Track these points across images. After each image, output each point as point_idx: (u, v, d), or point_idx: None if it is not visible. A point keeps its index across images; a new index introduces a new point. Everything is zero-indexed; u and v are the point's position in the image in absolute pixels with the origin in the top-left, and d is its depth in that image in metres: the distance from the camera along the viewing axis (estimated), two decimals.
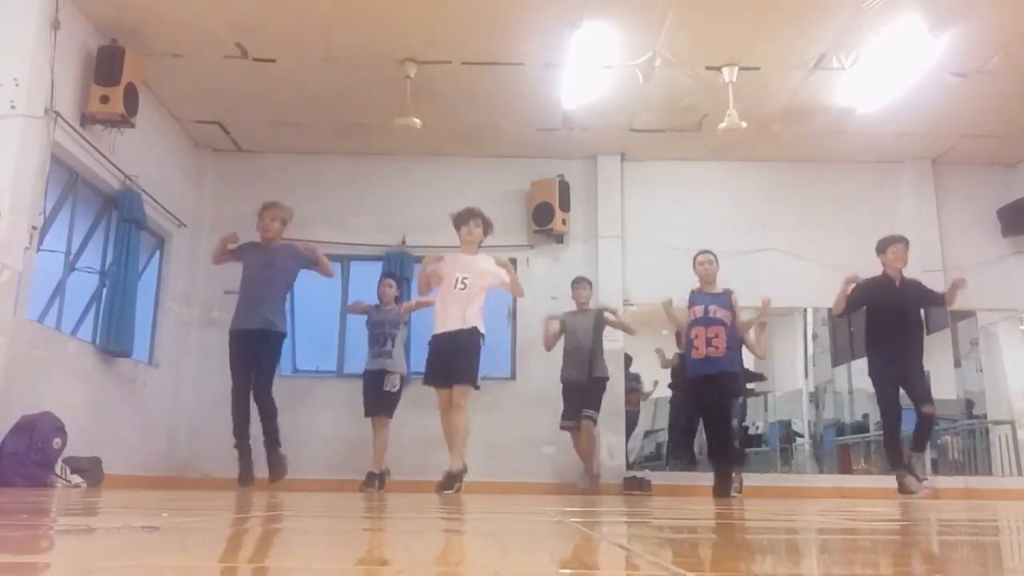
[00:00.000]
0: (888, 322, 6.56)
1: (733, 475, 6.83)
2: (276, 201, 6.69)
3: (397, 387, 7.27)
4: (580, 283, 7.90)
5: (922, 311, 6.87)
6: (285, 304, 6.68)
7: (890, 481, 6.79)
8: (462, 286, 5.89)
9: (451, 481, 5.71)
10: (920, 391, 6.50)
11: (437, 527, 2.22)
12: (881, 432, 6.80)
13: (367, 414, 7.38)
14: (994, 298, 9.00)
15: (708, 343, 6.41)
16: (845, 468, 9.57)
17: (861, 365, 10.12)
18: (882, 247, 6.74)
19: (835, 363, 10.13)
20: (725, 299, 6.59)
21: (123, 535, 1.74)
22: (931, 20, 6.55)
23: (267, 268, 6.48)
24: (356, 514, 2.85)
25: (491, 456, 8.13)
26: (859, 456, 9.93)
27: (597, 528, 2.25)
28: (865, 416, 10.08)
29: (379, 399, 7.33)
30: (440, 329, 5.95)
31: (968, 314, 9.21)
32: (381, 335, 7.44)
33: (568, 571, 1.23)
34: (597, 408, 7.58)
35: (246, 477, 6.34)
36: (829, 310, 9.58)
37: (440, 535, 1.93)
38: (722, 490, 6.45)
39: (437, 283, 6.06)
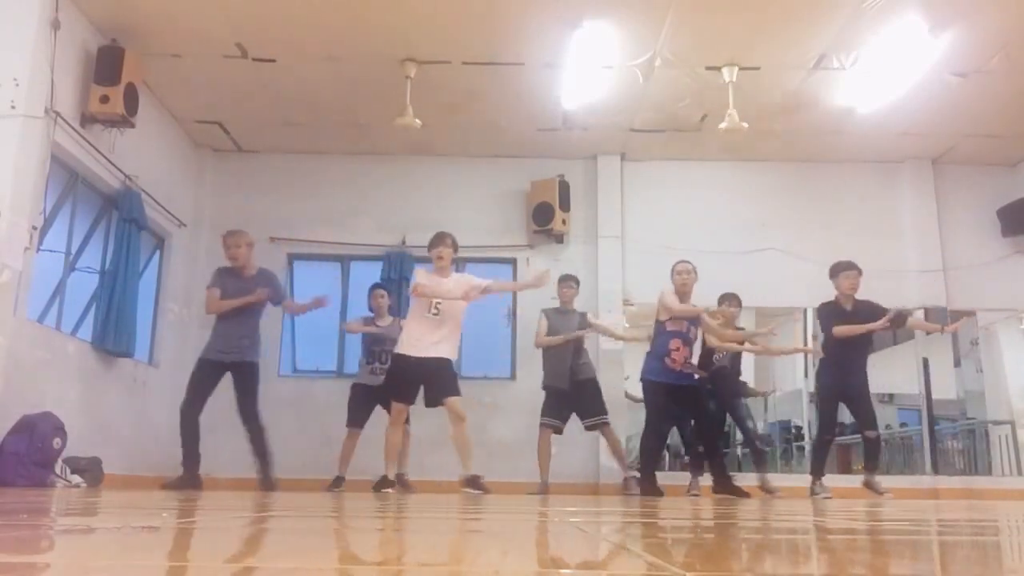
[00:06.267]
0: (838, 347, 6.66)
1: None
2: (235, 229, 6.67)
3: None
4: (566, 281, 7.49)
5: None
6: (258, 331, 6.56)
7: (890, 481, 6.81)
8: (435, 311, 6.08)
9: (475, 484, 6.05)
10: (866, 416, 6.70)
11: (437, 527, 2.22)
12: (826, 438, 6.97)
13: (350, 424, 7.22)
14: (994, 298, 9.01)
15: (685, 361, 6.59)
16: (845, 468, 9.56)
17: None
18: (834, 272, 6.82)
19: None
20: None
21: (123, 535, 1.74)
22: (931, 20, 6.55)
23: (252, 313, 6.44)
24: (359, 515, 2.84)
25: (491, 456, 8.12)
26: (859, 456, 9.92)
27: (597, 528, 2.25)
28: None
29: (369, 412, 7.20)
30: (409, 351, 6.06)
31: (968, 314, 9.20)
32: (383, 352, 7.22)
33: (568, 571, 1.23)
34: (602, 410, 7.24)
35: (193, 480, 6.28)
36: None
37: (440, 535, 1.93)
38: (722, 487, 6.66)
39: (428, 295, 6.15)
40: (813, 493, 6.76)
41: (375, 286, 7.68)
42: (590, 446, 8.12)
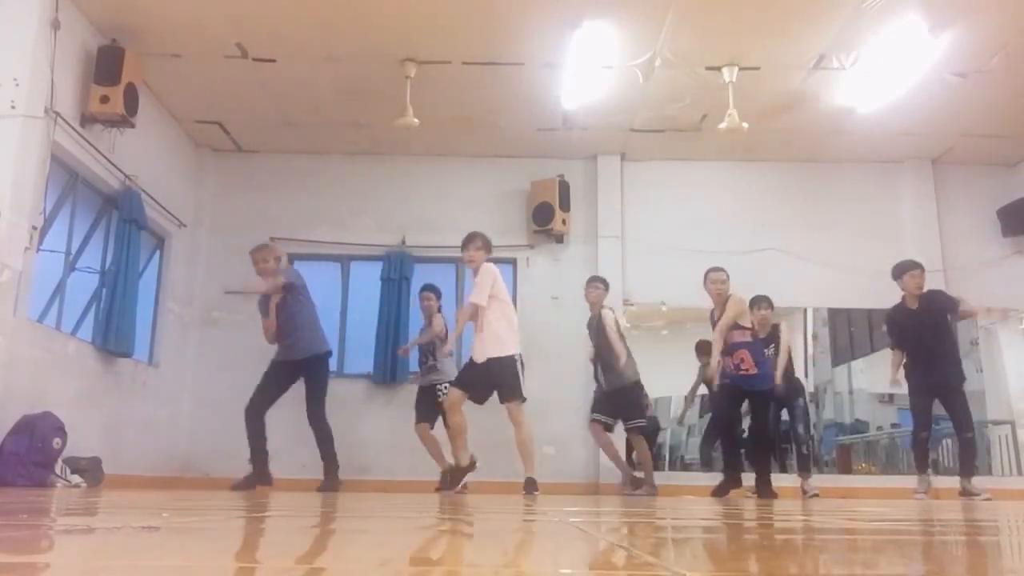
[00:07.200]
0: (913, 345, 6.76)
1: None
2: (262, 244, 6.83)
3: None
4: (592, 282, 7.39)
5: (949, 320, 6.99)
6: (317, 321, 6.79)
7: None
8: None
9: (531, 487, 6.23)
10: (958, 415, 6.71)
11: (437, 526, 2.22)
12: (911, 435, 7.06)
13: (417, 421, 7.40)
14: (994, 298, 9.00)
15: (737, 368, 6.69)
16: (845, 468, 9.57)
17: (861, 365, 10.15)
18: (899, 273, 6.90)
19: (835, 363, 10.12)
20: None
21: (123, 535, 1.74)
22: (931, 20, 6.55)
23: (283, 309, 6.62)
24: (359, 514, 2.85)
25: (491, 456, 8.09)
26: (859, 456, 9.92)
27: (597, 528, 2.25)
28: (859, 421, 10.10)
29: (433, 410, 7.33)
30: (473, 357, 6.38)
31: (969, 314, 9.19)
32: (424, 352, 7.48)
33: (568, 571, 1.23)
34: (634, 416, 7.20)
35: (262, 477, 6.43)
36: (829, 310, 9.69)
37: (441, 535, 1.93)
38: (763, 492, 6.72)
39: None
40: (917, 492, 6.79)
41: (424, 288, 7.68)
42: (590, 446, 8.11)
